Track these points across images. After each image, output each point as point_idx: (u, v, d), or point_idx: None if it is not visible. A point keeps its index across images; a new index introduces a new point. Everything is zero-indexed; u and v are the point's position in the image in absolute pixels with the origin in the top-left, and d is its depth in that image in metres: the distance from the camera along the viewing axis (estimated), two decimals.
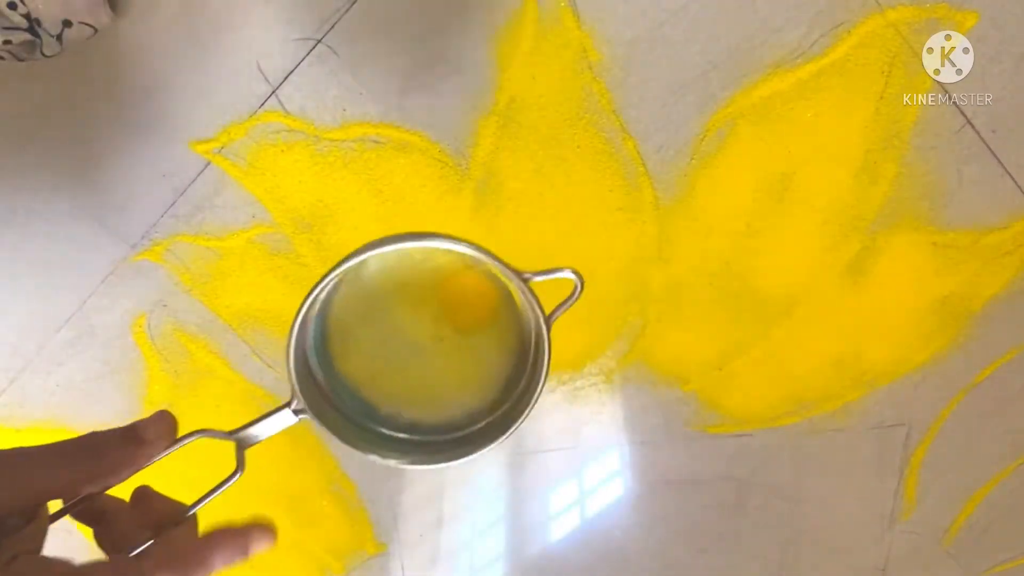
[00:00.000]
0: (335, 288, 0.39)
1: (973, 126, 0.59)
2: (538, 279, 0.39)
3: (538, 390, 0.38)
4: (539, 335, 0.38)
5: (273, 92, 0.56)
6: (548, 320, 0.38)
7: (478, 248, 0.37)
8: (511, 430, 0.38)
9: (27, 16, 0.48)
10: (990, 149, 0.59)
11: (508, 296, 0.40)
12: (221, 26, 0.54)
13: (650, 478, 0.75)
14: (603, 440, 0.73)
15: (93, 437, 0.28)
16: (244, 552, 0.32)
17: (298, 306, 0.35)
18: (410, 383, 0.42)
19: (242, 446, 0.38)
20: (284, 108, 0.57)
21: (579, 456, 0.74)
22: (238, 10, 0.54)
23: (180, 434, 0.33)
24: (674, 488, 0.76)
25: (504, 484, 0.75)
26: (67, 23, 0.50)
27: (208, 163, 0.58)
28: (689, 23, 0.55)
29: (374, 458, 0.40)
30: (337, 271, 0.35)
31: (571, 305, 0.38)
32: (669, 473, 0.75)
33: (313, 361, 0.40)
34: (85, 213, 0.59)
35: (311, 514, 0.75)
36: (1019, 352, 0.68)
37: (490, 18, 0.54)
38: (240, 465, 0.37)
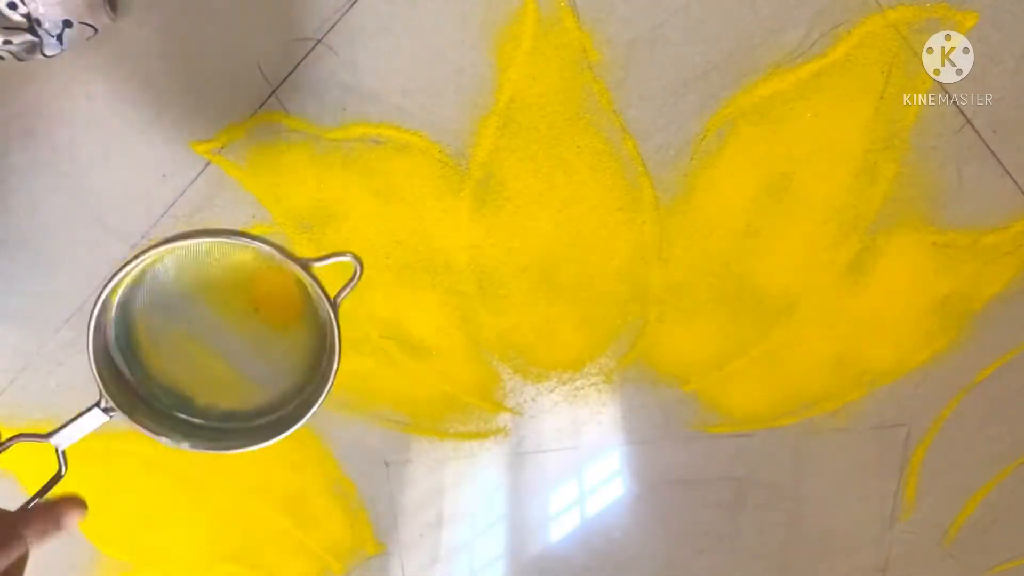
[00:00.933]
0: (134, 289, 0.40)
1: (973, 126, 0.59)
2: (320, 264, 0.41)
3: (334, 366, 0.40)
4: (329, 318, 0.40)
5: (273, 92, 0.56)
6: (334, 303, 0.40)
7: (262, 240, 0.39)
8: (314, 406, 0.40)
9: (27, 16, 0.48)
10: (990, 149, 0.59)
11: (305, 287, 0.41)
12: (221, 26, 0.54)
13: (650, 478, 0.75)
14: (603, 440, 0.73)
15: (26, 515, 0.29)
16: (58, 525, 0.33)
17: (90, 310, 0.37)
18: (221, 375, 0.43)
19: (61, 447, 0.40)
20: (284, 108, 0.57)
21: (579, 456, 0.74)
22: (238, 10, 0.54)
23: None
24: (674, 488, 0.76)
25: (504, 484, 0.75)
26: (67, 23, 0.50)
27: (208, 163, 0.58)
28: (689, 23, 0.55)
29: (186, 446, 0.41)
30: (122, 272, 0.37)
31: (353, 287, 0.41)
32: (669, 473, 0.75)
33: (119, 360, 0.41)
34: (85, 213, 0.59)
35: (311, 514, 0.75)
36: (1019, 352, 0.68)
37: (490, 18, 0.54)
38: (61, 466, 0.40)
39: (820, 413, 0.71)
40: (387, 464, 0.73)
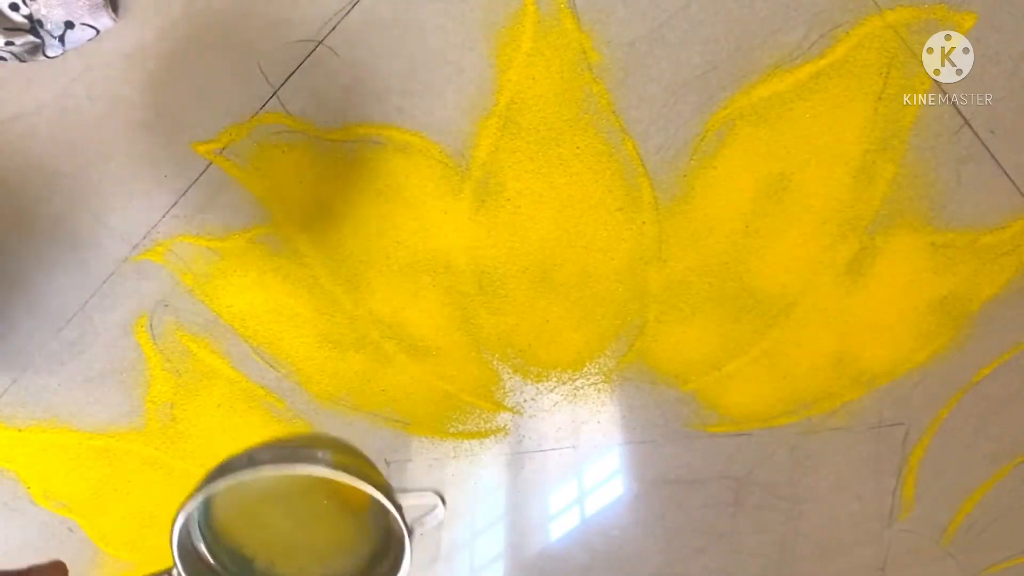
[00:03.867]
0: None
1: (971, 127, 0.59)
2: (410, 503, 0.41)
3: None
4: (403, 536, 0.41)
5: (274, 93, 0.56)
6: (410, 530, 0.41)
7: (354, 474, 0.39)
8: None
9: (29, 17, 0.49)
10: (988, 150, 0.60)
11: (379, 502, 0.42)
12: (222, 28, 0.54)
13: (649, 477, 0.75)
14: (602, 439, 0.73)
15: None
16: None
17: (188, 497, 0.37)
18: (283, 540, 0.44)
19: None
20: (285, 109, 0.57)
21: (578, 456, 0.74)
22: (239, 12, 0.54)
23: None
24: (673, 487, 0.76)
25: (504, 484, 0.75)
26: (69, 24, 0.50)
27: (209, 164, 0.58)
28: (689, 24, 0.55)
29: None
30: (215, 485, 0.38)
31: (435, 523, 0.42)
32: (668, 472, 0.75)
33: (195, 531, 0.42)
34: (87, 213, 0.59)
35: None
36: (1017, 352, 0.69)
37: (490, 19, 0.55)
38: None
39: (819, 412, 0.72)
40: (387, 463, 0.73)
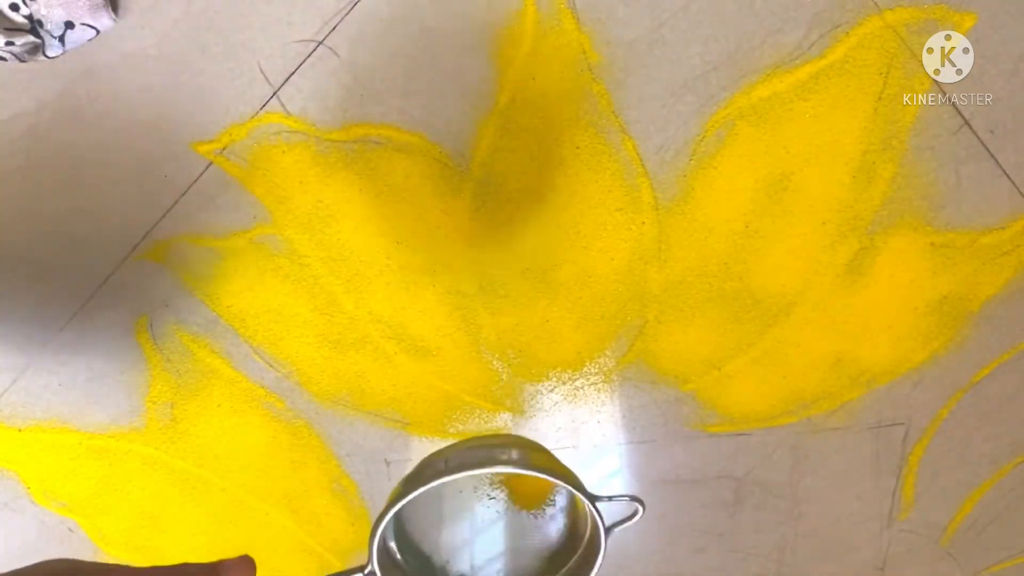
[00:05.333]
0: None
1: (971, 127, 0.59)
2: (606, 502, 0.42)
3: None
4: (595, 534, 0.41)
5: (274, 93, 0.56)
6: (607, 529, 0.40)
7: (554, 473, 0.39)
8: None
9: (29, 17, 0.49)
10: (988, 150, 0.60)
11: (570, 490, 0.42)
12: (223, 28, 0.54)
13: (649, 477, 0.75)
14: (602, 440, 0.73)
15: (184, 569, 0.28)
16: None
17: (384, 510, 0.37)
18: (462, 536, 0.44)
19: None
20: (285, 109, 0.57)
21: (578, 455, 0.74)
22: (240, 12, 0.54)
23: None
24: (673, 487, 0.76)
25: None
26: (69, 25, 0.50)
27: (209, 164, 0.58)
28: (689, 24, 0.55)
29: None
30: (425, 486, 0.38)
31: (630, 524, 0.42)
32: (668, 472, 0.75)
33: (389, 532, 0.42)
34: (87, 213, 0.60)
35: (312, 513, 0.75)
36: (1017, 352, 0.69)
37: (490, 20, 0.55)
38: None
39: (818, 412, 0.72)
40: (388, 463, 0.73)
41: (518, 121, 0.58)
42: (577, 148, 0.59)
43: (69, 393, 0.67)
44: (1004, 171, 0.60)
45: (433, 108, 0.57)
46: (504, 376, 0.69)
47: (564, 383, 0.70)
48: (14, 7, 0.48)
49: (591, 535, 0.41)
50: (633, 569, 0.81)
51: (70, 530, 0.73)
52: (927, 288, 0.65)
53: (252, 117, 0.57)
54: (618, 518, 0.42)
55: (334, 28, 0.55)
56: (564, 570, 0.44)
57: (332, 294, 0.64)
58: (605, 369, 0.69)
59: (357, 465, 0.73)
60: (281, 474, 0.72)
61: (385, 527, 0.41)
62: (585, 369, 0.69)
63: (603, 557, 0.41)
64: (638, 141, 0.59)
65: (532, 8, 0.55)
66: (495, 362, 0.68)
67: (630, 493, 0.42)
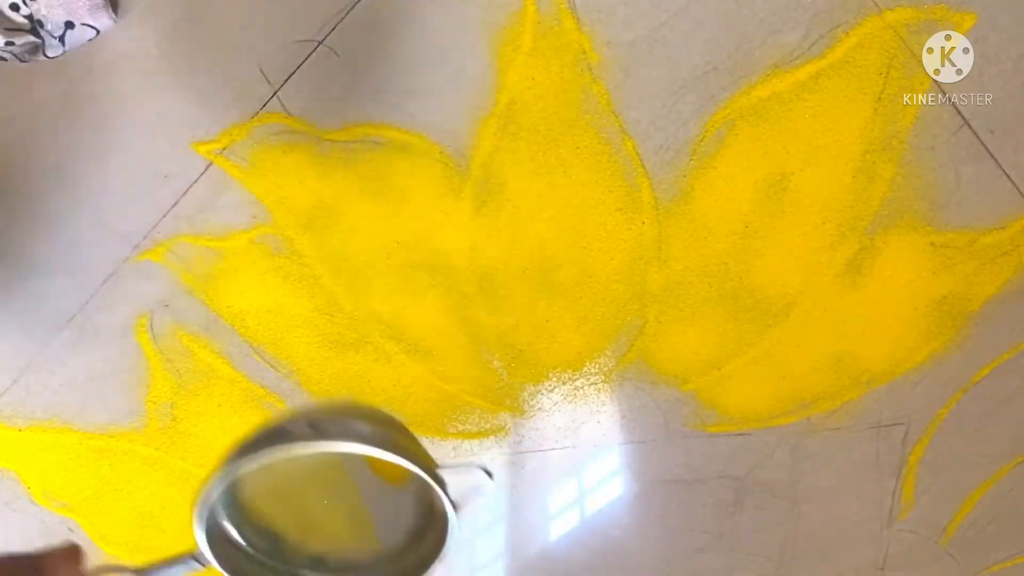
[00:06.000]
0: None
1: (971, 127, 0.59)
2: (449, 472, 0.40)
3: (439, 557, 0.39)
4: (449, 515, 0.39)
5: (275, 93, 0.56)
6: (456, 505, 0.39)
7: (393, 449, 0.37)
8: None
9: (30, 18, 0.49)
10: (988, 150, 0.60)
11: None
12: (223, 28, 0.54)
13: (649, 477, 0.75)
14: (602, 439, 0.73)
15: (5, 564, 0.28)
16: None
17: (217, 478, 0.35)
18: (313, 516, 0.42)
19: None
20: (286, 109, 0.57)
21: (578, 455, 0.74)
22: (240, 12, 0.54)
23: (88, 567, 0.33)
24: (673, 487, 0.76)
25: (504, 483, 0.76)
26: (69, 25, 0.50)
27: (210, 164, 0.58)
28: (688, 25, 0.55)
29: None
30: (241, 467, 0.36)
31: (481, 496, 0.40)
32: (668, 472, 0.75)
33: (220, 510, 0.41)
34: (87, 213, 0.60)
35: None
36: (1017, 352, 0.69)
37: (490, 20, 0.55)
38: None
39: (818, 412, 0.72)
40: None
41: (518, 121, 0.58)
42: (577, 148, 0.59)
43: (69, 393, 0.66)
44: (1004, 171, 0.60)
45: (433, 108, 0.57)
46: (504, 376, 0.69)
47: (564, 383, 0.70)
48: (14, 7, 0.48)
49: (444, 518, 0.40)
50: (633, 569, 0.81)
51: (70, 530, 0.73)
52: (927, 288, 0.65)
53: (252, 117, 0.57)
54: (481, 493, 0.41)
55: (334, 28, 0.55)
56: (424, 547, 0.43)
57: (332, 294, 0.64)
58: (605, 369, 0.69)
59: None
60: None
61: (220, 508, 0.39)
62: (585, 369, 0.69)
63: (453, 533, 0.39)
64: (638, 141, 0.59)
65: (532, 8, 0.55)
66: (495, 362, 0.68)
67: (480, 464, 0.40)
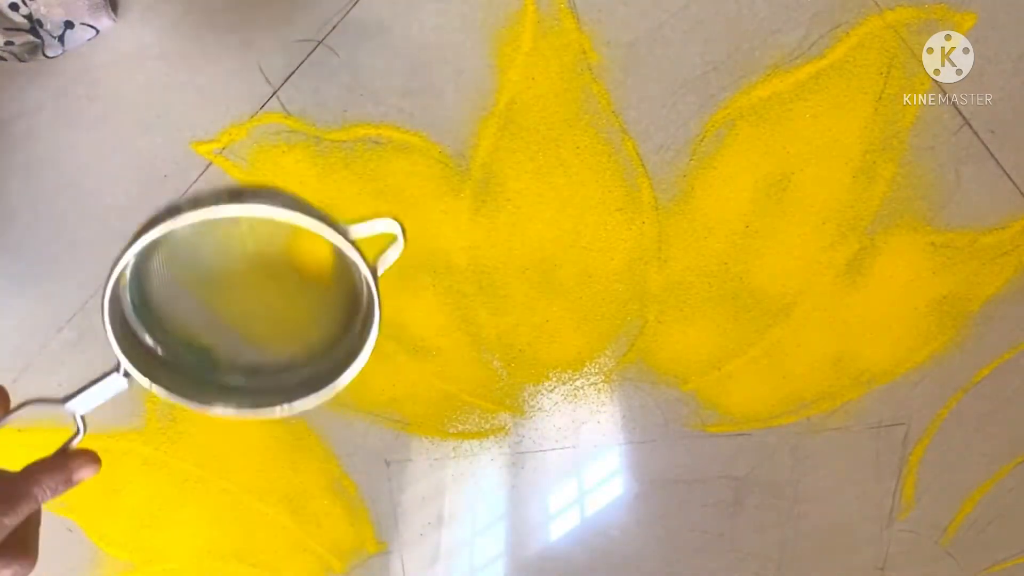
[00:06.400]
0: (148, 253, 0.38)
1: (971, 127, 0.59)
2: (359, 231, 0.39)
3: (372, 331, 0.39)
4: (368, 287, 0.39)
5: (274, 93, 0.56)
6: (373, 268, 0.38)
7: (294, 209, 0.37)
8: (354, 368, 0.39)
9: (29, 17, 0.49)
10: (988, 150, 0.60)
11: (340, 253, 0.40)
12: (222, 28, 0.54)
13: (649, 477, 0.75)
14: (602, 439, 0.73)
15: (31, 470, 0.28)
16: (68, 480, 0.32)
17: (110, 270, 0.35)
18: (242, 327, 0.41)
19: (78, 413, 0.39)
20: (285, 109, 0.57)
21: (578, 455, 0.74)
22: (239, 12, 0.54)
23: (13, 405, 0.33)
24: (673, 487, 0.76)
25: (504, 484, 0.75)
26: (69, 24, 0.50)
27: (209, 164, 0.58)
28: (689, 24, 0.55)
29: (214, 410, 0.40)
30: (141, 241, 0.36)
31: (397, 255, 0.39)
32: (668, 472, 0.75)
33: (136, 324, 0.40)
34: (87, 213, 0.59)
35: (312, 513, 0.75)
36: (1017, 352, 0.69)
37: (490, 20, 0.55)
38: (80, 428, 0.38)
39: (818, 412, 0.72)
40: (388, 463, 0.73)
41: (518, 121, 0.58)
42: (577, 148, 0.59)
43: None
44: (1005, 171, 0.60)
45: (433, 108, 0.57)
46: (504, 376, 0.69)
47: (564, 383, 0.70)
48: (14, 7, 0.48)
49: (368, 289, 0.39)
50: (633, 569, 0.81)
51: (69, 530, 0.73)
52: (927, 288, 0.65)
53: (252, 117, 0.57)
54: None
55: (334, 28, 0.54)
56: (353, 334, 0.42)
57: None
58: (605, 369, 0.69)
59: (357, 465, 0.73)
60: (281, 474, 0.72)
61: (135, 317, 0.39)
62: (585, 369, 0.69)
63: (377, 294, 0.39)
64: (638, 141, 0.59)
65: (532, 8, 0.55)
66: (495, 362, 0.68)
67: (392, 219, 0.39)
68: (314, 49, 0.55)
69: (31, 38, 0.49)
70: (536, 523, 0.78)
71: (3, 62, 0.51)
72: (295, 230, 0.39)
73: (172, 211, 0.36)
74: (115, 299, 0.37)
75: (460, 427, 0.72)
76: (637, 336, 0.67)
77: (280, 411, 0.41)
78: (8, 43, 0.49)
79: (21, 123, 0.56)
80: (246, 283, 0.41)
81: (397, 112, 0.57)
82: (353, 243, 0.38)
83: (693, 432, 0.73)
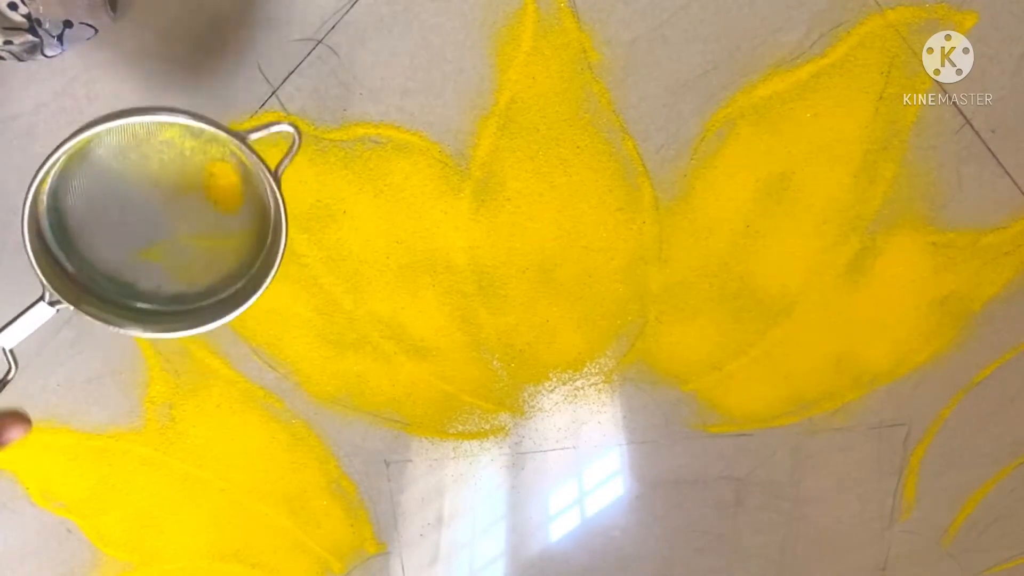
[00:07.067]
0: (65, 178, 0.39)
1: (972, 126, 0.59)
2: (257, 136, 0.40)
3: (281, 241, 0.39)
4: (273, 193, 0.40)
5: (273, 93, 0.56)
6: (275, 175, 0.39)
7: (190, 114, 0.38)
8: (264, 283, 0.39)
9: (28, 16, 0.48)
10: (989, 149, 0.60)
11: (247, 168, 0.40)
12: (221, 27, 0.54)
13: (649, 478, 0.75)
14: (603, 440, 0.73)
15: None
16: None
17: (25, 202, 0.36)
18: (163, 257, 0.42)
19: (7, 347, 0.39)
20: (284, 108, 0.57)
21: (579, 456, 0.74)
22: (238, 11, 0.54)
23: None
24: (673, 488, 0.76)
25: (504, 484, 0.75)
26: (68, 24, 0.50)
27: None
28: (689, 23, 0.55)
29: (138, 332, 0.41)
30: (54, 156, 0.36)
31: (294, 155, 0.40)
32: (668, 473, 0.75)
33: (58, 251, 0.41)
34: None
35: (311, 514, 0.75)
36: (1019, 352, 0.68)
37: (490, 19, 0.55)
38: (11, 366, 0.39)
39: (819, 413, 0.72)
40: (387, 463, 0.73)
41: (518, 120, 0.58)
42: (577, 147, 0.59)
43: (68, 393, 0.66)
44: (1006, 170, 0.60)
45: (433, 108, 0.57)
46: (504, 376, 0.69)
47: (564, 383, 0.70)
48: (12, 6, 0.48)
49: (273, 195, 0.40)
50: (633, 570, 0.81)
51: (68, 530, 0.73)
52: (928, 288, 0.65)
53: (251, 116, 0.57)
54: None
55: (333, 27, 0.54)
56: (264, 244, 0.43)
57: (331, 294, 0.64)
58: (605, 369, 0.69)
59: (356, 465, 0.73)
60: (280, 475, 0.72)
61: (53, 244, 0.40)
62: (585, 369, 0.69)
63: (282, 202, 0.39)
64: (638, 140, 0.59)
65: (532, 7, 0.54)
66: (495, 362, 0.68)
67: (288, 122, 0.40)
68: (313, 48, 0.55)
69: (30, 37, 0.49)
70: (536, 524, 0.78)
71: (2, 61, 0.51)
72: (204, 163, 0.40)
73: (79, 130, 0.37)
74: (34, 225, 0.38)
75: (460, 427, 0.72)
76: (637, 336, 0.67)
77: (194, 331, 0.42)
78: (7, 42, 0.49)
79: (21, 122, 0.56)
80: (159, 220, 0.42)
81: (397, 112, 0.57)
82: (253, 149, 0.38)
83: (694, 432, 0.72)
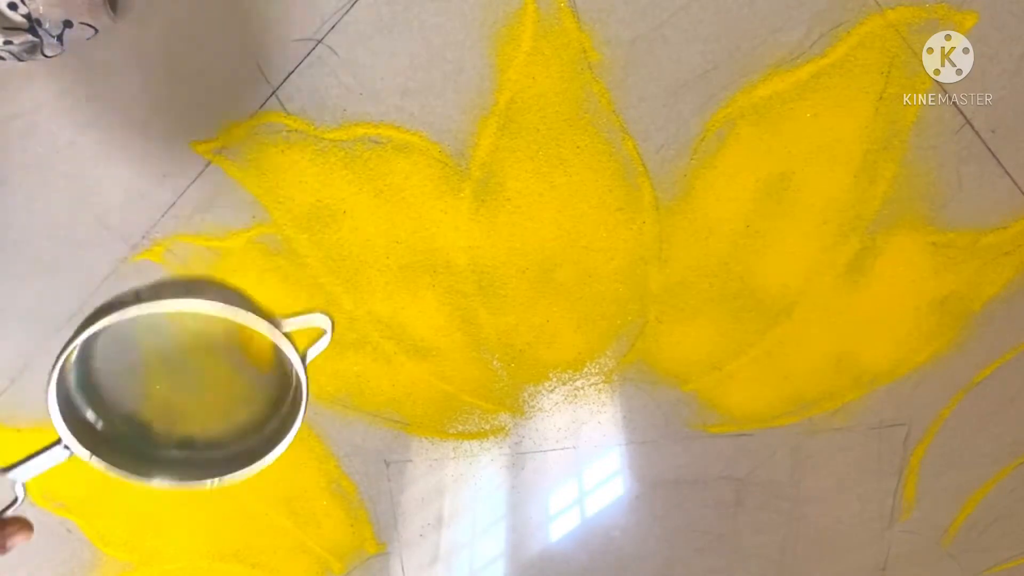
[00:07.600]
0: (93, 337, 0.41)
1: (972, 126, 0.59)
2: (291, 326, 0.43)
3: (299, 414, 0.42)
4: (297, 376, 0.42)
5: (273, 92, 0.56)
6: (303, 358, 0.41)
7: (232, 306, 0.40)
8: (279, 447, 0.42)
9: (28, 16, 0.48)
10: (989, 149, 0.59)
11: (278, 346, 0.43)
12: (222, 27, 0.54)
13: (649, 478, 0.75)
14: (603, 440, 0.73)
15: None
16: (1, 547, 0.33)
17: (57, 356, 0.38)
18: (178, 401, 0.45)
19: (19, 481, 0.41)
20: (284, 108, 0.57)
21: (579, 456, 0.74)
22: (238, 11, 0.54)
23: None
24: (673, 488, 0.76)
25: (504, 484, 0.75)
26: (68, 23, 0.50)
27: (208, 163, 0.58)
28: (689, 23, 0.55)
29: (154, 482, 0.43)
30: (90, 329, 0.38)
31: (325, 346, 0.43)
32: (668, 473, 0.75)
33: (79, 399, 0.43)
34: (86, 213, 0.59)
35: (311, 514, 0.75)
36: (1018, 352, 0.68)
37: (490, 19, 0.54)
38: (17, 495, 0.41)
39: (819, 413, 0.72)
40: (387, 464, 0.73)
41: (518, 120, 0.58)
42: (577, 148, 0.59)
43: None
44: (1006, 170, 0.60)
45: (433, 108, 0.57)
46: (504, 376, 0.69)
47: (564, 383, 0.70)
48: (12, 6, 0.48)
49: (296, 376, 0.42)
50: (633, 570, 0.81)
51: (68, 531, 0.73)
52: (928, 288, 0.65)
53: (251, 116, 0.57)
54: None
55: (333, 27, 0.54)
56: (282, 414, 0.45)
57: (332, 294, 0.64)
58: (605, 369, 0.69)
59: (356, 466, 0.73)
60: (280, 475, 0.72)
61: (80, 399, 0.42)
62: (585, 369, 0.69)
63: (305, 382, 0.41)
64: (638, 140, 0.59)
65: (532, 7, 0.54)
66: (495, 362, 0.68)
67: (322, 312, 0.42)
68: (313, 48, 0.55)
69: (30, 37, 0.49)
70: (536, 524, 0.78)
71: (2, 62, 0.51)
72: (228, 322, 0.42)
73: (117, 305, 0.39)
74: (62, 379, 0.40)
75: (460, 427, 0.72)
76: (637, 336, 0.67)
77: (211, 484, 0.44)
78: (7, 42, 0.49)
79: (20, 122, 0.56)
80: (185, 365, 0.45)
81: (397, 111, 0.57)
82: (286, 335, 0.41)
83: (694, 432, 0.72)
